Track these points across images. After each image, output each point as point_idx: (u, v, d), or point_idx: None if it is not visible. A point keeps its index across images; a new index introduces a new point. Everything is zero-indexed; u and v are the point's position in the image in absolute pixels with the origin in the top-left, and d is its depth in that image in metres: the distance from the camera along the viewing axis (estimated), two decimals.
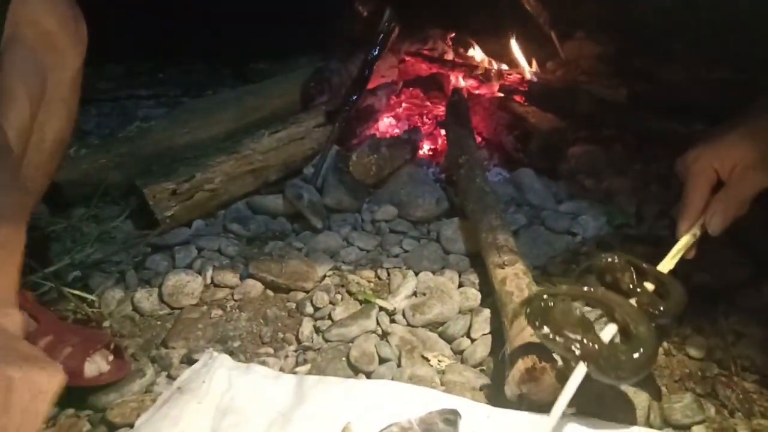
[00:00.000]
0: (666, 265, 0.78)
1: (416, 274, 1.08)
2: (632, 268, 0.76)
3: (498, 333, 0.92)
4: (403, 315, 1.00)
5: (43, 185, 0.93)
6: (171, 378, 0.90)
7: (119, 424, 0.82)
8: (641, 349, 0.67)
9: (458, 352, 0.93)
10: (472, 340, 0.93)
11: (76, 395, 0.86)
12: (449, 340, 0.95)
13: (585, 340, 0.67)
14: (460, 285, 1.05)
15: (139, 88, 1.85)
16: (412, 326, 0.98)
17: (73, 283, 1.08)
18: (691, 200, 0.81)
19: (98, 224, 1.23)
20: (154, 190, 1.18)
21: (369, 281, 1.09)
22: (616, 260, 0.77)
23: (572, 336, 0.68)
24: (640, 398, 0.77)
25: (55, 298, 1.05)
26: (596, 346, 0.67)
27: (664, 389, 0.83)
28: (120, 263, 1.13)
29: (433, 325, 0.98)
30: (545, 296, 0.72)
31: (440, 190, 1.25)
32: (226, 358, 0.84)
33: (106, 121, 1.69)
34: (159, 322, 1.02)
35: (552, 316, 0.70)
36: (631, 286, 0.75)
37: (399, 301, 1.02)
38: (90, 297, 1.04)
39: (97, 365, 0.83)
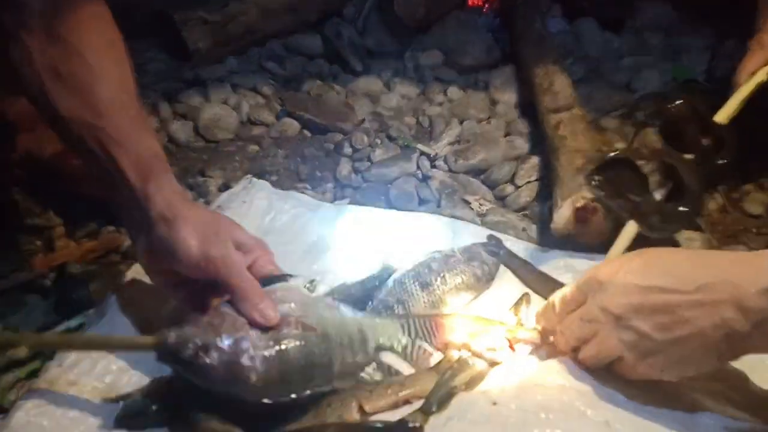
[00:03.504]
0: (724, 113, 0.76)
1: (461, 122, 1.03)
2: (697, 119, 0.77)
3: (545, 181, 0.89)
4: (445, 161, 0.96)
5: None
6: (208, 204, 0.90)
7: None
8: (689, 204, 0.71)
9: (501, 198, 0.90)
10: (517, 187, 0.90)
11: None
12: (492, 186, 0.92)
13: (639, 201, 0.70)
14: (507, 134, 1.00)
15: None
16: (454, 172, 0.94)
17: None
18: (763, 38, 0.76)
19: (132, 55, 1.18)
20: (184, 16, 1.13)
21: (410, 127, 1.04)
22: (683, 107, 0.79)
23: (628, 197, 0.71)
24: (691, 246, 0.75)
25: None
26: (649, 207, 0.70)
27: (715, 242, 0.79)
28: (155, 94, 1.10)
29: (476, 172, 0.94)
30: (607, 157, 0.74)
31: (491, 39, 1.15)
32: (265, 184, 0.83)
33: None
34: (195, 154, 1.01)
35: (610, 176, 0.72)
36: (691, 141, 0.76)
37: (441, 147, 0.98)
38: None
39: None
